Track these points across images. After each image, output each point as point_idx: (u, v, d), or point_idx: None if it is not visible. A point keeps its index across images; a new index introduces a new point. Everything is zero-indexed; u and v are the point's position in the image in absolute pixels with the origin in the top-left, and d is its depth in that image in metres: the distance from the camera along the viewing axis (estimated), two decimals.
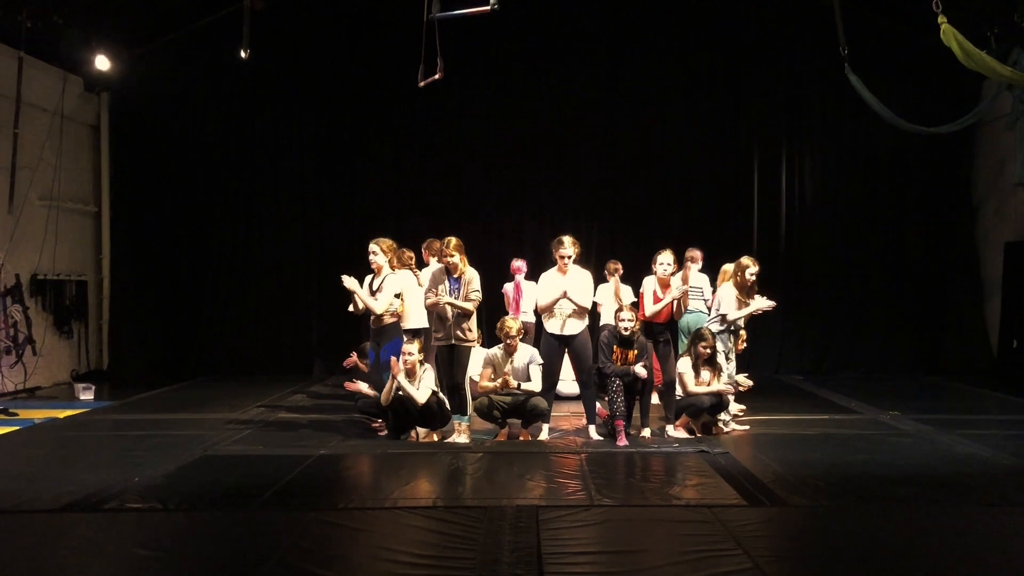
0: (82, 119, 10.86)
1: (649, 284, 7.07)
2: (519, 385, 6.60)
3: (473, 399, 6.90)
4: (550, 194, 11.42)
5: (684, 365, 7.00)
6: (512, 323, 6.75)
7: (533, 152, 11.42)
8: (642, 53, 11.26)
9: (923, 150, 10.85)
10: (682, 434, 6.90)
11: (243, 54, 9.44)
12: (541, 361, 6.73)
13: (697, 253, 8.29)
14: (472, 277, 6.69)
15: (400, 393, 6.47)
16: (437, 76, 8.03)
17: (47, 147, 9.88)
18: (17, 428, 7.29)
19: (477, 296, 6.66)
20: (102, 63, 10.05)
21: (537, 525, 4.20)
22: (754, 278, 7.15)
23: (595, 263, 11.40)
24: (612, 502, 4.86)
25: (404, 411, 6.57)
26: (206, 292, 11.34)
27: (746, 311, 7.07)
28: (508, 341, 6.68)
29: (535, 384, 6.63)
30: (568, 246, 6.76)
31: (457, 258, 6.66)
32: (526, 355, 6.72)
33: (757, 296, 7.20)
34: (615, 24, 11.17)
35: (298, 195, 11.46)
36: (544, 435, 6.80)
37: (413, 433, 6.80)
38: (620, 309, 6.86)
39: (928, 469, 5.67)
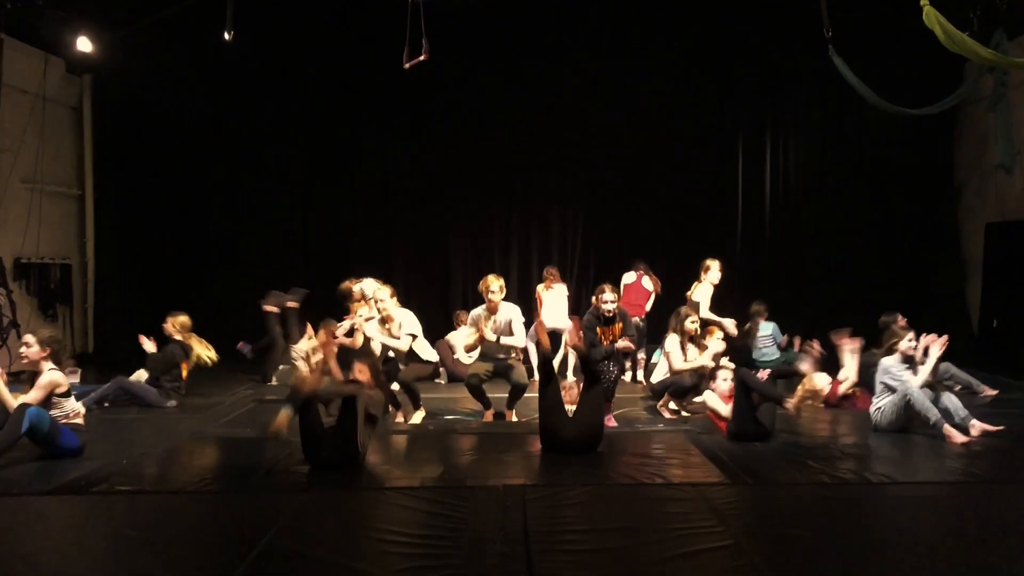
0: (64, 101, 10.75)
1: (711, 397, 6.42)
2: (499, 339, 6.61)
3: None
4: (535, 181, 11.47)
5: (672, 344, 7.06)
6: (493, 280, 6.67)
7: (518, 139, 11.42)
8: (627, 42, 11.22)
9: (906, 132, 10.92)
10: (666, 414, 6.98)
11: (227, 36, 9.36)
12: (524, 319, 6.75)
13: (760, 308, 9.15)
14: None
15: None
16: (423, 57, 8.04)
17: (29, 129, 9.78)
18: None
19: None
20: (84, 45, 9.91)
21: (524, 504, 4.26)
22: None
23: (580, 249, 11.50)
24: (597, 481, 4.93)
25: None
26: (190, 275, 11.31)
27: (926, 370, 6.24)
28: (488, 297, 6.66)
29: (518, 339, 6.65)
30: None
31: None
32: (508, 313, 6.70)
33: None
34: (600, 12, 11.10)
35: (283, 177, 11.45)
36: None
37: (401, 416, 6.87)
38: (602, 291, 6.64)
39: (907, 446, 5.78)
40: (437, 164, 11.35)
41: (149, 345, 7.83)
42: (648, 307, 9.22)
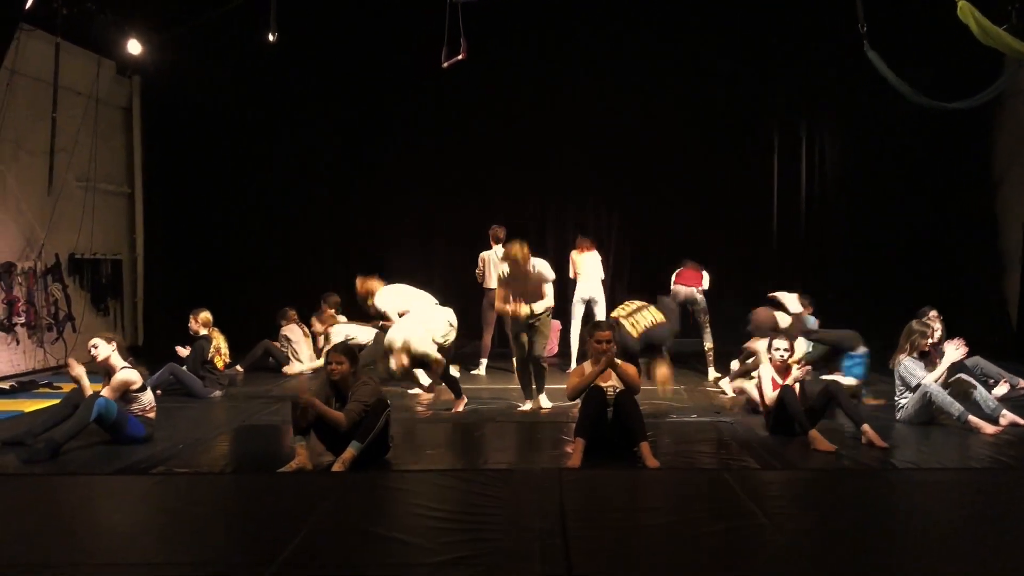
0: (115, 102, 11.14)
1: (766, 372, 6.11)
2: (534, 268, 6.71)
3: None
4: (569, 178, 11.57)
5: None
6: (517, 248, 6.68)
7: (552, 135, 11.50)
8: (662, 36, 11.29)
9: (943, 125, 10.84)
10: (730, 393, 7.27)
11: (271, 37, 9.63)
12: (553, 276, 6.88)
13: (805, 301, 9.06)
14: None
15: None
16: (460, 57, 8.26)
17: (83, 130, 10.16)
18: (61, 400, 7.61)
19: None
20: (133, 47, 10.23)
21: (560, 485, 4.43)
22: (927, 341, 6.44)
23: (614, 249, 11.61)
24: (631, 466, 5.09)
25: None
26: (237, 270, 11.64)
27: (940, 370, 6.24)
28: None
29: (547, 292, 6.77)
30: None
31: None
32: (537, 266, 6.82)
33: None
34: (636, 6, 11.22)
35: (325, 176, 11.73)
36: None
37: (441, 392, 7.12)
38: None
39: (933, 435, 5.90)
40: (473, 160, 11.50)
41: (184, 352, 8.18)
42: (705, 284, 8.86)
